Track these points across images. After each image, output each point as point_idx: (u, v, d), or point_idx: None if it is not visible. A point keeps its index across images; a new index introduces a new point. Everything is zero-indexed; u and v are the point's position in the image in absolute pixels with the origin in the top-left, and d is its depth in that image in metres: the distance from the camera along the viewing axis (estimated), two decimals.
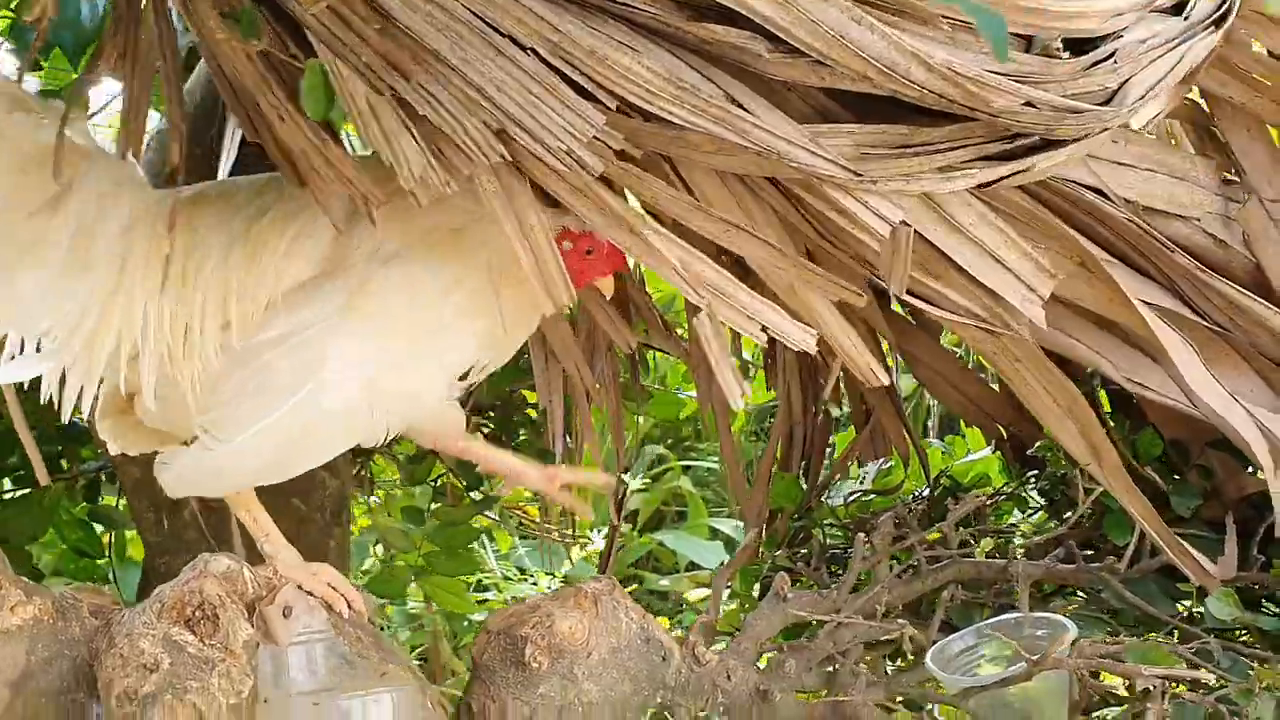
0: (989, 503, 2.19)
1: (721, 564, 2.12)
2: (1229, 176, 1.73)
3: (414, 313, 1.43)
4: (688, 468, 4.29)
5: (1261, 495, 1.86)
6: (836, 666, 1.86)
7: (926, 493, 2.24)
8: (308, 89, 1.14)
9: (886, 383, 1.61)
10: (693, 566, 3.97)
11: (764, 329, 1.26)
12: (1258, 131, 1.67)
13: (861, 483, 2.39)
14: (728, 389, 1.24)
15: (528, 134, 1.16)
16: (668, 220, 1.30)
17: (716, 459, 4.00)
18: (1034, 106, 1.25)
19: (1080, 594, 1.96)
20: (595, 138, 1.17)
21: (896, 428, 2.26)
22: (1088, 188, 1.61)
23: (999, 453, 2.28)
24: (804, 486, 2.36)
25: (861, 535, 1.97)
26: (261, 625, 1.42)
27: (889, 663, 2.06)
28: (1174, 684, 1.55)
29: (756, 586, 2.20)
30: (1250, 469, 1.88)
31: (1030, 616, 1.81)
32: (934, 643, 1.83)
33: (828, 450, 2.45)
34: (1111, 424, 1.93)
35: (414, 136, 1.15)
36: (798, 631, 1.99)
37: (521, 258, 1.26)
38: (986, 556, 1.96)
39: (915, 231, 1.38)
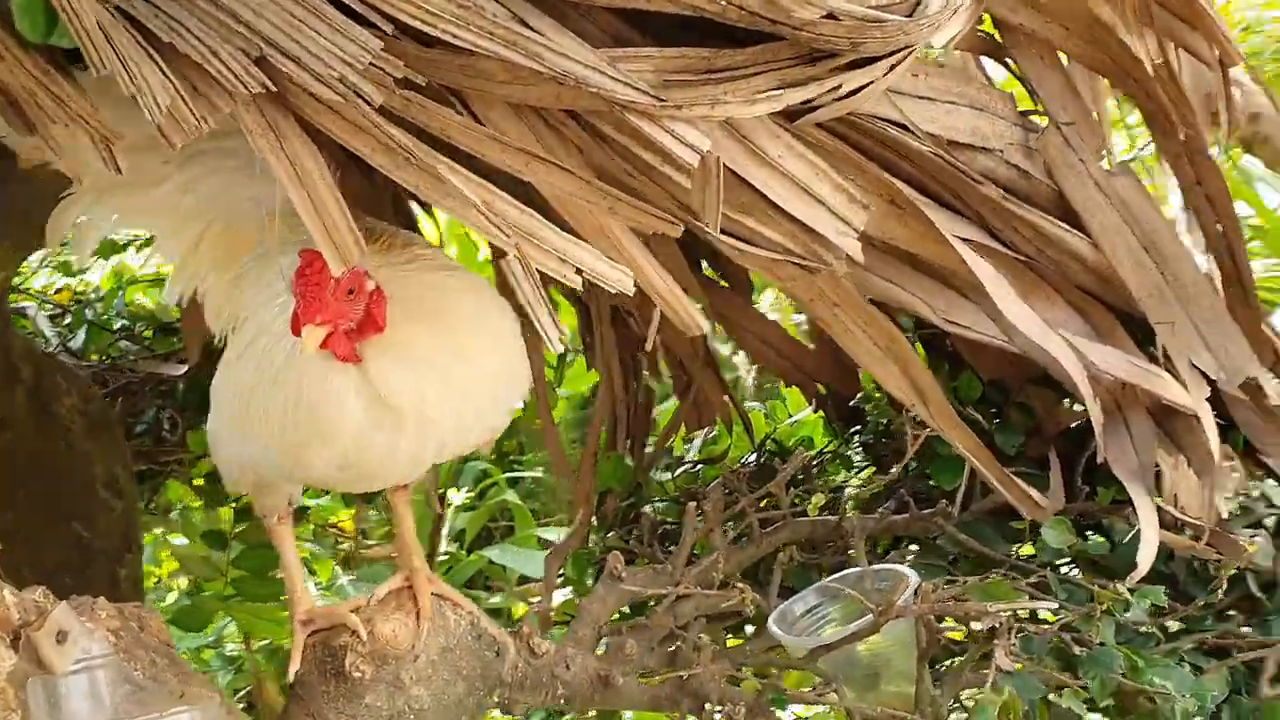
0: (815, 462, 2.15)
1: (550, 551, 2.00)
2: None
3: None
4: (513, 480, 4.16)
5: (1080, 427, 1.89)
6: (679, 643, 1.79)
7: (753, 458, 2.19)
8: (21, 6, 0.98)
9: (706, 330, 1.53)
10: (524, 580, 3.84)
11: (578, 271, 1.16)
12: (1050, 59, 1.67)
13: (688, 455, 2.32)
14: (545, 333, 1.14)
15: (293, 62, 1.04)
16: (460, 159, 1.18)
17: (542, 469, 3.89)
18: (836, 18, 1.19)
19: (915, 544, 1.93)
20: (372, 64, 1.05)
21: (718, 394, 2.20)
22: (892, 123, 1.58)
23: (820, 412, 2.25)
24: (631, 465, 2.29)
25: (692, 505, 1.90)
26: (30, 653, 1.24)
27: (731, 634, 1.99)
28: (1017, 618, 1.54)
29: (590, 572, 2.10)
30: (1067, 401, 1.89)
31: (870, 570, 1.77)
32: (775, 607, 1.78)
33: (652, 425, 2.38)
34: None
35: (158, 65, 1.01)
36: (638, 611, 1.91)
37: (300, 210, 1.13)
38: (820, 514, 1.91)
39: (725, 166, 1.31)
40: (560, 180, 1.17)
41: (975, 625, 1.56)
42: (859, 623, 1.62)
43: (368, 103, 1.06)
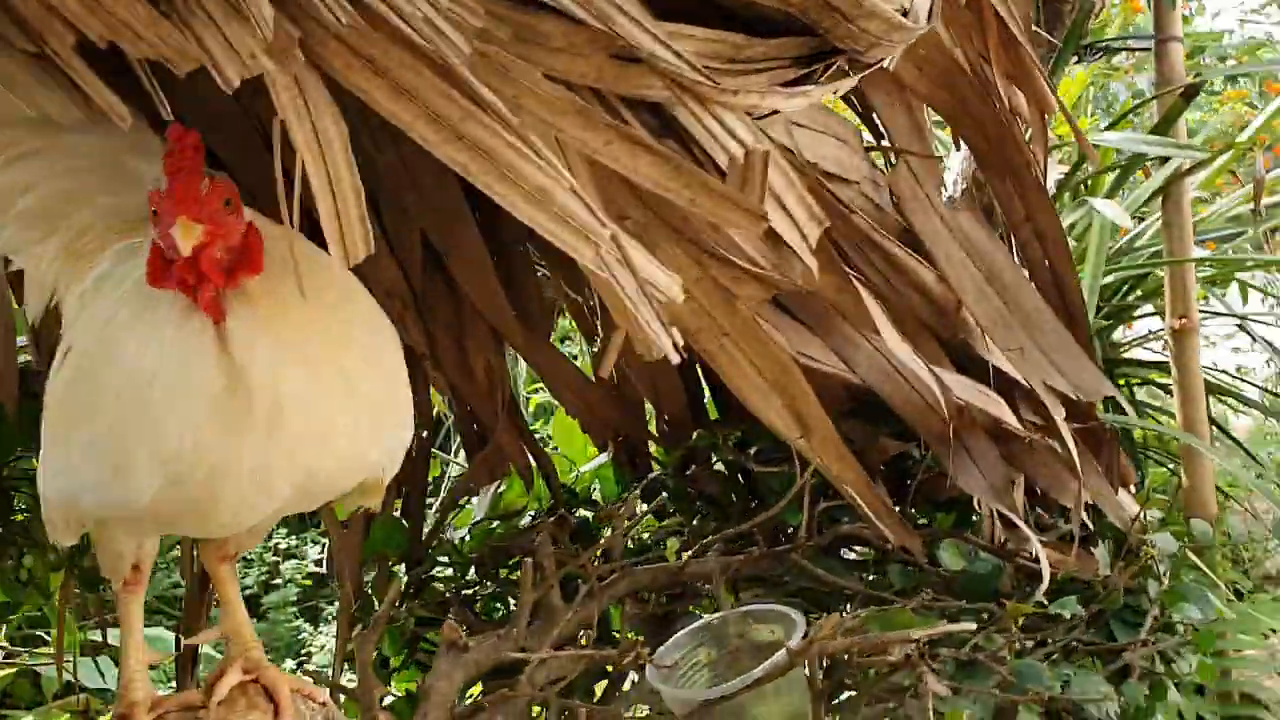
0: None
1: (361, 634, 1.74)
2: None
3: None
4: None
5: (901, 457, 1.95)
6: (545, 710, 1.62)
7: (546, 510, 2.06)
8: None
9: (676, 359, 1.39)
10: None
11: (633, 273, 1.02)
12: (900, 97, 1.72)
13: (473, 511, 2.13)
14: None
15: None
16: None
17: None
18: (876, 16, 1.14)
19: (759, 583, 1.89)
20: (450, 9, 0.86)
21: (517, 444, 2.04)
22: (784, 148, 1.56)
23: (613, 460, 2.16)
24: (407, 527, 2.06)
25: (529, 561, 1.73)
26: None
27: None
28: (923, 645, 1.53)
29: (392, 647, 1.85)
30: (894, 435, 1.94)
31: (743, 611, 1.70)
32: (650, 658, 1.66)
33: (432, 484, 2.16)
34: None
35: None
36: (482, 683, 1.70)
37: (314, 182, 0.90)
38: (677, 556, 1.81)
39: None
40: (646, 164, 1.01)
41: (887, 657, 1.53)
42: (755, 671, 1.53)
43: (457, 52, 0.86)
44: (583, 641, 1.76)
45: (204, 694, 1.35)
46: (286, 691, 1.35)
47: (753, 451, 1.94)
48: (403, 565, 2.04)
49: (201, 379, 1.10)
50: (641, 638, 1.64)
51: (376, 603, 2.06)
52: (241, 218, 1.10)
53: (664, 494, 2.02)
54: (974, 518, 1.88)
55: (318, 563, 4.55)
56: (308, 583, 4.70)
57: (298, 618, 4.71)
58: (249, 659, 1.37)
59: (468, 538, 2.04)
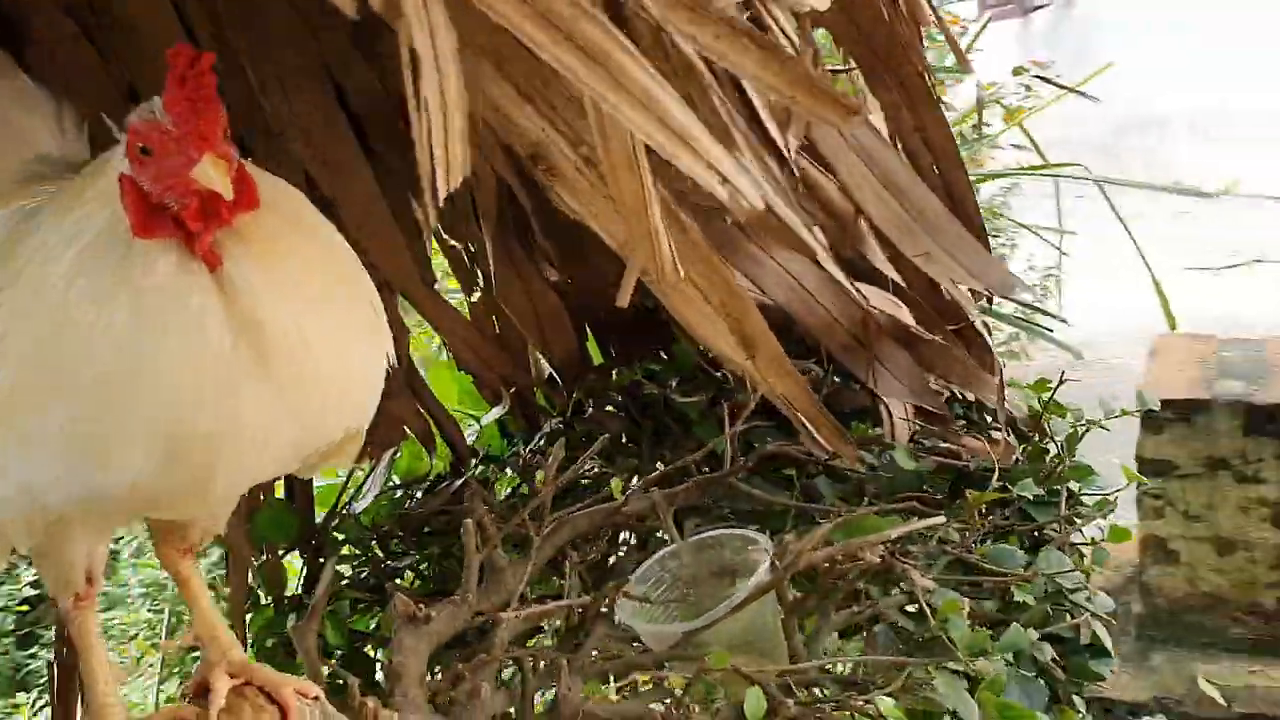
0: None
1: (297, 625, 1.60)
2: None
3: None
4: None
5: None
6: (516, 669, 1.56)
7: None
8: None
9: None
10: None
11: (723, 180, 0.98)
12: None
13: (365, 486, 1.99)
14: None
15: None
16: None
17: None
18: None
19: (693, 513, 1.87)
20: None
21: (412, 406, 1.93)
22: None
23: (508, 412, 2.08)
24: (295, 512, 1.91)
25: (470, 522, 1.66)
26: None
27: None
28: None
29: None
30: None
31: (700, 539, 1.69)
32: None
33: None
34: None
35: None
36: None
37: (430, 98, 0.81)
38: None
39: None
40: (754, 60, 0.96)
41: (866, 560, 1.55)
42: (739, 593, 1.54)
43: None
44: (530, 596, 1.69)
45: (193, 707, 1.22)
46: (290, 691, 1.24)
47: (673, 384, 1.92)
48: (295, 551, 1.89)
49: (210, 333, 0.99)
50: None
51: (263, 595, 1.92)
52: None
53: (564, 440, 1.97)
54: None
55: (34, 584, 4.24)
56: (24, 608, 4.41)
57: (19, 648, 4.40)
58: (232, 661, 1.25)
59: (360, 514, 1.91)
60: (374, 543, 1.84)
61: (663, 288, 1.55)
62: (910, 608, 1.59)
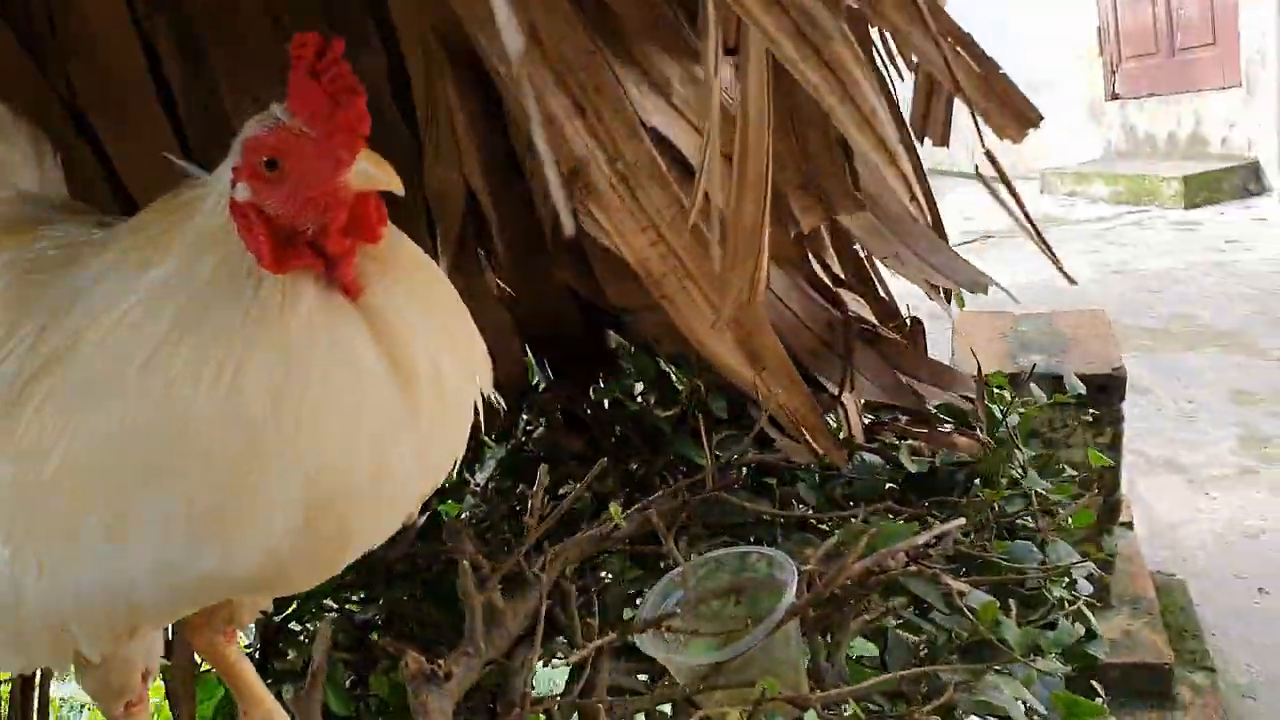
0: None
1: (297, 694, 1.43)
2: None
3: None
4: None
5: None
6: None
7: None
8: None
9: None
10: None
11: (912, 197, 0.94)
12: None
13: None
14: None
15: None
16: None
17: None
18: None
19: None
20: None
21: None
22: None
23: None
24: None
25: (465, 564, 1.54)
26: None
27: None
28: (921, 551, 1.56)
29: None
30: None
31: (708, 559, 1.62)
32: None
33: None
34: None
35: None
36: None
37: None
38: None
39: None
40: (963, 69, 0.90)
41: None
42: (767, 622, 1.50)
43: None
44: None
45: None
46: None
47: (652, 399, 1.85)
48: None
49: (367, 375, 0.89)
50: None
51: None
52: None
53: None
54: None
55: None
56: None
57: None
58: None
59: None
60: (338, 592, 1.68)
61: (670, 295, 1.49)
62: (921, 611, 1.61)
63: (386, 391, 0.89)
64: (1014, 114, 0.94)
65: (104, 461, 0.88)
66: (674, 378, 1.93)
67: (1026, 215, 0.92)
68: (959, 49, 0.90)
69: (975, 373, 1.80)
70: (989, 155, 0.96)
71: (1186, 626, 3.85)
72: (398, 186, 0.83)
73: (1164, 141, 9.24)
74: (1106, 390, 3.96)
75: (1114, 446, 3.88)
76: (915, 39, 0.86)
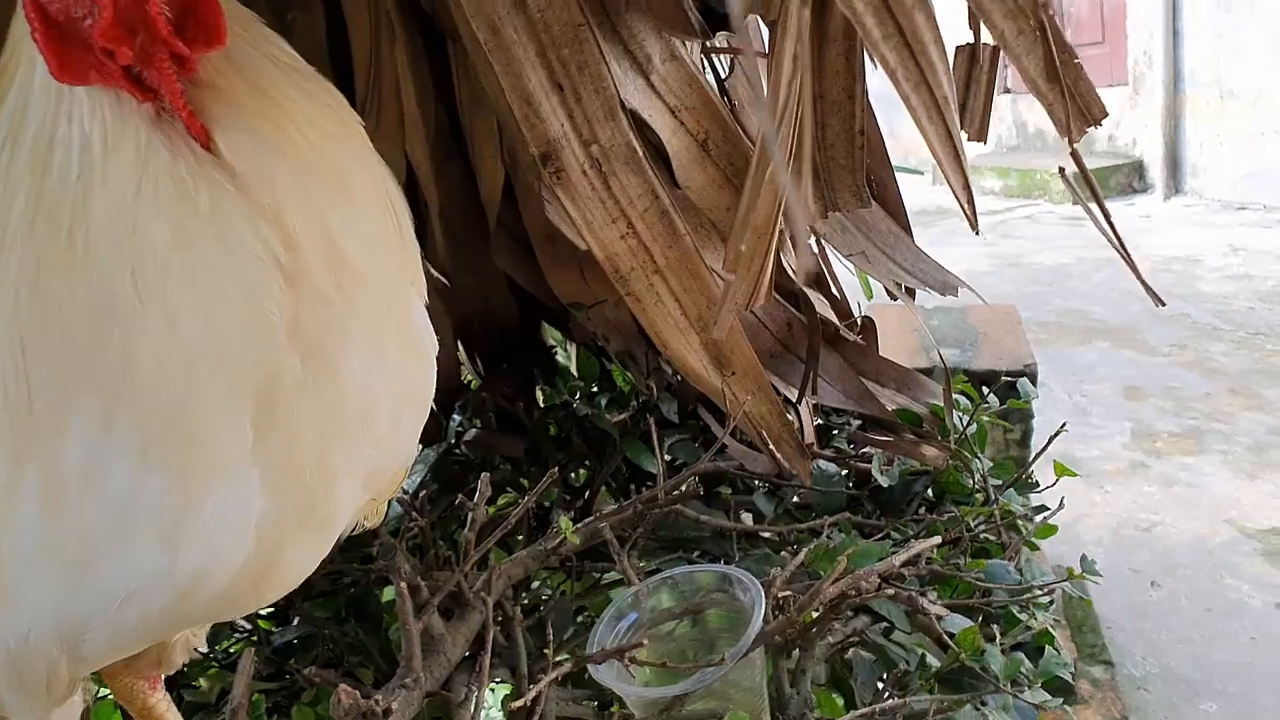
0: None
1: None
2: None
3: None
4: None
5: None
6: None
7: None
8: None
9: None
10: None
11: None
12: None
13: None
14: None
15: None
16: None
17: None
18: None
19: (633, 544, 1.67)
20: None
21: None
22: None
23: None
24: None
25: (402, 586, 1.38)
26: None
27: None
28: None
29: None
30: None
31: (660, 579, 1.49)
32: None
33: None
34: None
35: None
36: None
37: None
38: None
39: None
40: (1036, 60, 0.78)
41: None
42: (735, 651, 1.38)
43: None
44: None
45: None
46: None
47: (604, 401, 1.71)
48: None
49: (258, 260, 0.70)
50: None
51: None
52: None
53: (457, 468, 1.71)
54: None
55: None
56: None
57: None
58: None
59: None
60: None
61: (635, 292, 1.36)
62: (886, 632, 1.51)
63: (274, 271, 0.70)
64: (1080, 108, 0.84)
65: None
66: (620, 377, 1.80)
67: (1117, 235, 0.82)
68: (1040, 31, 0.78)
69: (943, 378, 1.70)
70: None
71: (1085, 621, 3.88)
72: None
73: (1052, 137, 9.42)
74: (1018, 386, 3.93)
75: (1024, 443, 3.88)
76: (996, 15, 0.75)
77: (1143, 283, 1.05)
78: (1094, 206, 0.87)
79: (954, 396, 1.80)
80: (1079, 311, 6.64)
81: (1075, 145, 1.00)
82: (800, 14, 0.75)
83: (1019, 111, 9.79)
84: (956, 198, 0.85)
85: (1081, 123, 0.81)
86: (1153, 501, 4.76)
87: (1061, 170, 0.85)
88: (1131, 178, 8.66)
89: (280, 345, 0.71)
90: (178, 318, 0.68)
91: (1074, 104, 0.80)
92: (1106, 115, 0.82)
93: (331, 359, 0.75)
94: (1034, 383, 3.81)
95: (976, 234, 0.96)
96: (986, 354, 4.00)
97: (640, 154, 1.20)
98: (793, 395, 1.64)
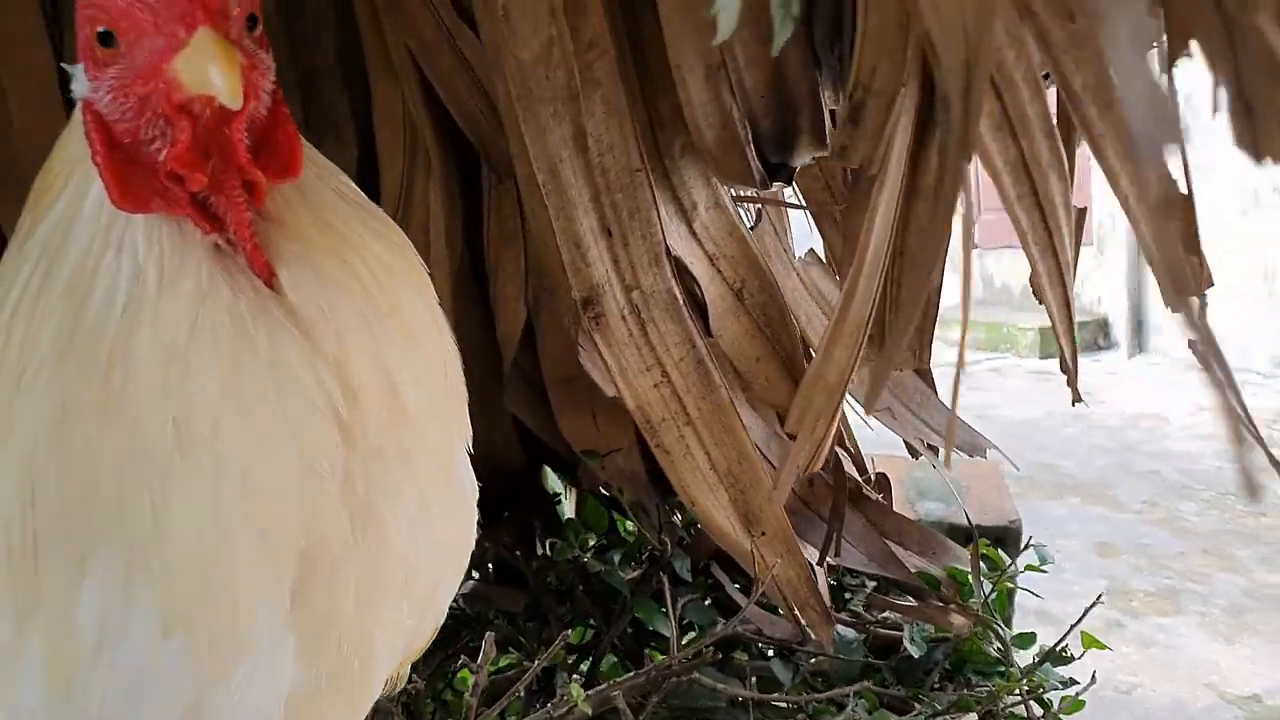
0: None
1: None
2: None
3: None
4: None
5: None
6: None
7: None
8: None
9: None
10: None
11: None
12: None
13: None
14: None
15: None
16: None
17: None
18: None
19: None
20: None
21: None
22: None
23: None
24: None
25: None
26: None
27: None
28: None
29: None
30: None
31: None
32: None
33: None
34: None
35: None
36: None
37: None
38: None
39: None
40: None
41: None
42: None
43: None
44: None
45: None
46: None
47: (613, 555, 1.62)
48: None
49: (311, 401, 0.63)
50: None
51: None
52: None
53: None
54: None
55: None
56: None
57: None
58: None
59: None
60: None
61: (665, 444, 1.29)
62: None
63: (330, 423, 0.63)
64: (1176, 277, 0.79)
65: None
66: (622, 527, 1.72)
67: (1243, 408, 0.76)
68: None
69: (971, 541, 1.63)
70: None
71: None
72: (230, 96, 0.55)
73: (1019, 293, 9.57)
74: (1003, 542, 3.85)
75: (1008, 600, 3.81)
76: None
77: None
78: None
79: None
80: (1049, 466, 6.63)
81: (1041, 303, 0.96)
82: (899, 168, 0.70)
83: (985, 266, 9.97)
84: (1065, 363, 0.80)
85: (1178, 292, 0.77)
86: (1131, 663, 4.66)
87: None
88: (1097, 335, 8.78)
89: (331, 506, 0.64)
90: (221, 473, 0.61)
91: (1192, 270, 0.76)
92: (1214, 284, 0.78)
93: (381, 520, 0.68)
94: (1018, 540, 3.75)
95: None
96: (972, 508, 3.93)
97: (680, 301, 1.15)
98: (813, 556, 1.56)
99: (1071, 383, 0.88)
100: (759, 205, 1.55)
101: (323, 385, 0.63)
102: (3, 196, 1.21)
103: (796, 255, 1.61)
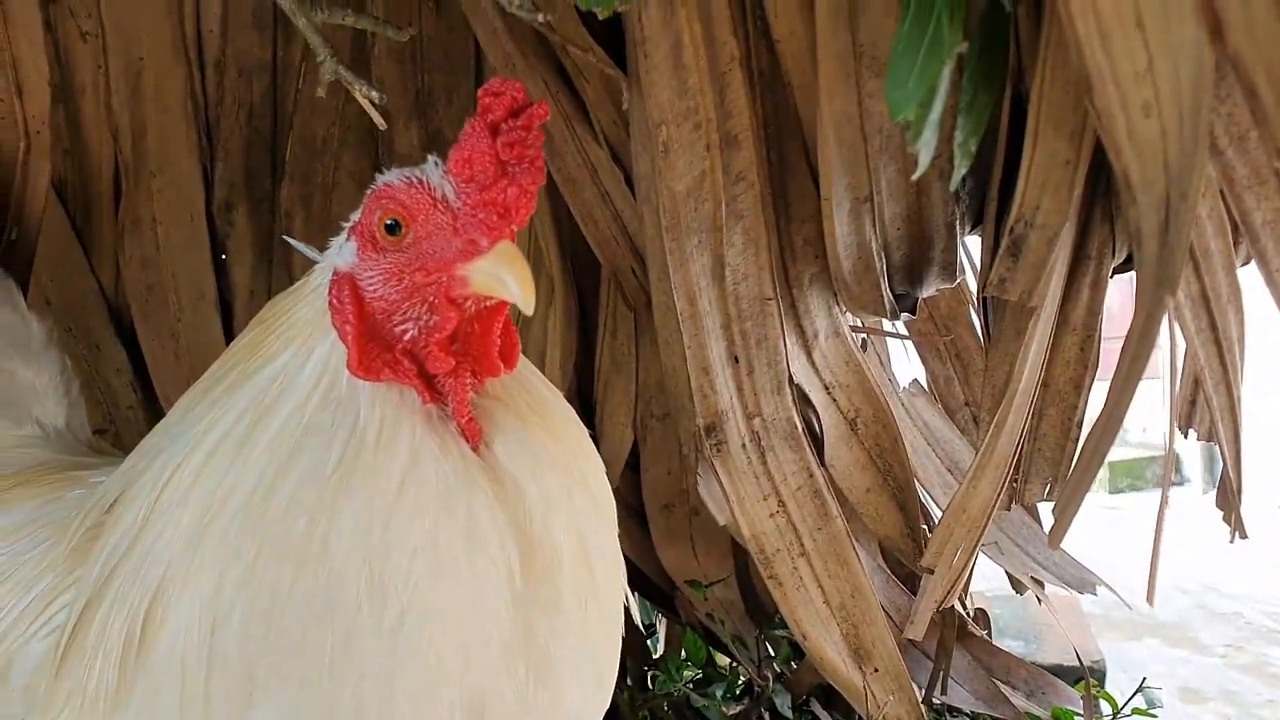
0: None
1: None
2: None
3: None
4: None
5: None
6: None
7: None
8: None
9: None
10: None
11: None
12: None
13: None
14: None
15: None
16: None
17: None
18: None
19: None
20: None
21: None
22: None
23: None
24: None
25: None
26: None
27: None
28: None
29: None
30: None
31: None
32: None
33: None
34: None
35: None
36: None
37: None
38: None
39: None
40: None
41: None
42: None
43: None
44: None
45: None
46: None
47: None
48: None
49: (495, 561, 0.65)
50: None
51: None
52: None
53: None
54: None
55: None
56: None
57: None
58: None
59: None
60: None
61: (778, 575, 1.27)
62: None
63: (506, 587, 0.65)
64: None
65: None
66: (720, 665, 1.68)
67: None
68: None
69: (1084, 682, 1.57)
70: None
71: None
72: (526, 304, 0.60)
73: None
74: (1146, 697, 3.72)
75: None
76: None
77: None
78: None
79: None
80: (1126, 605, 6.41)
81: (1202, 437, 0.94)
82: (1055, 302, 0.70)
83: None
84: (1230, 495, 0.78)
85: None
86: None
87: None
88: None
89: (495, 667, 0.65)
90: (402, 629, 0.62)
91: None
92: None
93: (556, 685, 0.68)
94: (1103, 681, 3.61)
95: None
96: (1052, 648, 3.81)
97: (800, 430, 1.15)
98: (918, 694, 1.51)
99: (1235, 519, 0.85)
100: (864, 335, 1.55)
101: (505, 551, 0.65)
102: (149, 318, 1.25)
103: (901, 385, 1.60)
